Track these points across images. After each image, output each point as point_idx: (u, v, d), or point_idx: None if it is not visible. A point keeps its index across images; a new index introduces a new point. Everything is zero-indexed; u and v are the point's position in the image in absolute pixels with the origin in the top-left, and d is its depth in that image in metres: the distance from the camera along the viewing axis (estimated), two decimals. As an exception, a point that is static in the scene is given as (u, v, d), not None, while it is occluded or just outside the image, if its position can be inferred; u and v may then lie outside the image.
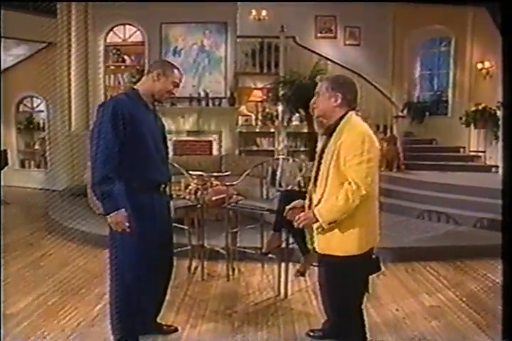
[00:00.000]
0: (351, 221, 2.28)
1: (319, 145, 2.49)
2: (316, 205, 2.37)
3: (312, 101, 2.46)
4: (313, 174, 2.48)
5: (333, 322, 2.73)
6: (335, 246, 2.33)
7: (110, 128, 2.33)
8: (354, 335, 2.53)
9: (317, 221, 2.30)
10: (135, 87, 2.58)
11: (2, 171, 7.17)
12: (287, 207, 2.65)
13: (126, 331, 2.56)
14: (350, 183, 2.21)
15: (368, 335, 2.56)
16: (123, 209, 2.36)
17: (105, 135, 2.33)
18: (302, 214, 2.39)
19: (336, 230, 2.31)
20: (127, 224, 2.37)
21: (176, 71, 2.58)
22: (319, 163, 2.40)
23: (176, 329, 2.94)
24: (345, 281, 2.38)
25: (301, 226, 2.40)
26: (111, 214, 2.35)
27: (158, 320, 2.88)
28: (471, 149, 8.07)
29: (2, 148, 7.38)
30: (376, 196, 2.37)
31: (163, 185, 2.59)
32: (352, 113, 2.36)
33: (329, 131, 2.37)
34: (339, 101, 2.32)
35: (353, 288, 2.44)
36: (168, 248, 2.73)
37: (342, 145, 2.24)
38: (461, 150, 8.22)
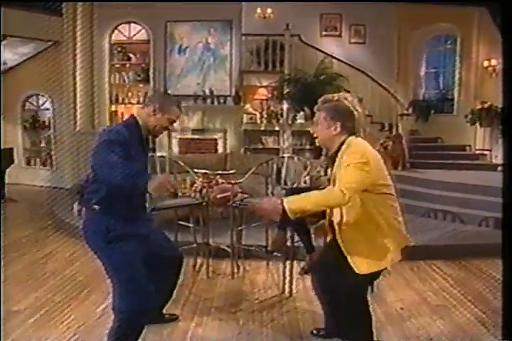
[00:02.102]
0: (380, 236, 2.34)
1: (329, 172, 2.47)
2: (338, 230, 2.39)
3: (311, 129, 2.50)
4: None
5: (340, 321, 2.70)
6: (366, 263, 2.34)
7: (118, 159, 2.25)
8: (362, 334, 2.53)
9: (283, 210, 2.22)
10: (136, 115, 2.48)
11: (8, 169, 7.21)
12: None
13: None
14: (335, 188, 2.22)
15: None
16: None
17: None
18: (267, 202, 2.33)
19: (368, 246, 2.34)
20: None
21: (174, 108, 2.47)
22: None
23: (177, 317, 3.03)
24: (359, 298, 2.45)
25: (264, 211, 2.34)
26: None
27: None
28: (477, 147, 8.04)
29: (8, 146, 7.42)
30: (393, 210, 2.41)
31: (138, 216, 2.48)
32: (352, 138, 2.36)
33: (332, 160, 2.39)
34: (338, 129, 2.36)
35: (364, 292, 2.49)
36: (164, 249, 2.68)
37: (342, 165, 2.26)
38: (467, 148, 8.18)
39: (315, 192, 2.29)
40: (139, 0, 7.65)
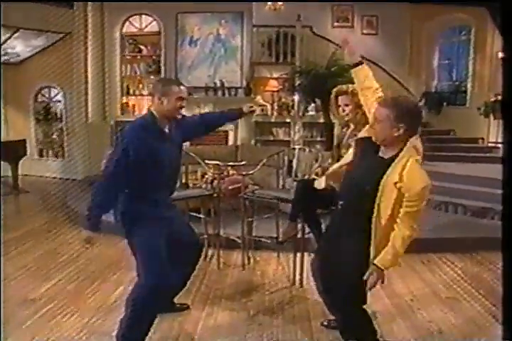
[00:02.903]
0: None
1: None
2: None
3: (370, 124, 2.27)
4: None
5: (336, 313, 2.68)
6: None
7: (121, 161, 2.45)
8: (364, 330, 2.49)
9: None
10: (151, 109, 2.62)
11: (21, 160, 7.28)
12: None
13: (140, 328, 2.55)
14: (405, 228, 2.16)
15: (382, 325, 2.56)
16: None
17: (116, 165, 2.46)
18: (371, 277, 2.24)
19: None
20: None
21: (174, 87, 2.57)
22: None
23: (188, 307, 3.09)
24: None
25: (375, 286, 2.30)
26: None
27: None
28: (490, 140, 7.94)
29: (21, 138, 7.49)
30: None
31: (164, 202, 2.67)
32: (413, 139, 2.20)
33: (388, 163, 2.18)
34: (401, 132, 2.11)
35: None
36: (184, 235, 2.80)
37: (406, 185, 2.11)
38: (480, 141, 8.09)
39: (392, 242, 2.18)
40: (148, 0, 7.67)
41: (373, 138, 2.22)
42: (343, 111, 3.05)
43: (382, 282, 2.29)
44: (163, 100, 2.53)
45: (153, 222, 2.53)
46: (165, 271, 2.51)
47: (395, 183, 2.11)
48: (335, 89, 3.14)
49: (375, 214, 2.19)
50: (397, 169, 2.13)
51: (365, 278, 2.24)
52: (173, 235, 2.63)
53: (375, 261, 2.21)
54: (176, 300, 3.04)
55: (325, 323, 2.89)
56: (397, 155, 2.17)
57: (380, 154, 2.25)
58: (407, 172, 2.12)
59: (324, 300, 2.72)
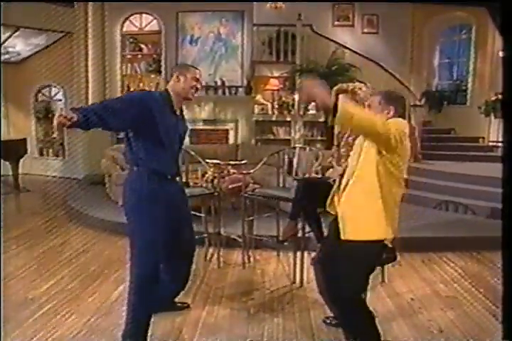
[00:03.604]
0: (380, 206, 2.31)
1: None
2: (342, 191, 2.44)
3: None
4: (349, 169, 2.46)
5: (336, 313, 2.72)
6: (363, 230, 2.34)
7: (128, 104, 2.46)
8: (360, 326, 2.51)
9: (335, 108, 2.14)
10: (167, 87, 2.74)
11: (22, 159, 7.29)
12: None
13: (139, 322, 2.60)
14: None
15: (382, 324, 2.56)
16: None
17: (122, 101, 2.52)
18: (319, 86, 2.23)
19: (366, 215, 2.34)
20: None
21: (191, 68, 2.75)
22: (359, 156, 2.40)
23: (188, 306, 3.09)
24: (358, 268, 2.40)
25: (311, 94, 2.23)
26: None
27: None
28: (491, 139, 7.94)
29: (22, 137, 7.50)
30: (402, 187, 2.42)
31: (169, 176, 2.69)
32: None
33: None
34: (391, 113, 2.43)
35: (364, 274, 2.48)
36: (185, 233, 2.82)
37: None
38: (480, 140, 8.08)
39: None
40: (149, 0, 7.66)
41: None
42: None
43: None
44: (180, 78, 2.67)
45: (159, 202, 2.56)
46: (156, 263, 2.59)
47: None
48: (335, 88, 3.14)
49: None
50: None
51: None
52: (175, 227, 2.69)
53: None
54: (176, 300, 3.04)
55: (326, 321, 2.89)
56: None
57: None
58: None
59: (324, 299, 2.73)
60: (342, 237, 2.37)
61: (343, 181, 2.48)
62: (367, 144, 2.35)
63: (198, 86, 2.74)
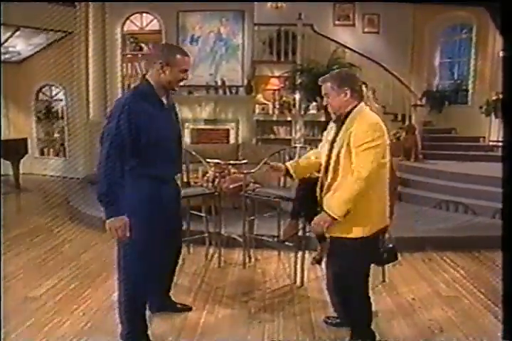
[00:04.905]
0: (360, 206, 2.33)
1: (330, 133, 2.52)
2: (325, 193, 2.44)
3: (324, 102, 2.53)
4: (323, 163, 2.52)
5: (339, 309, 2.78)
6: (345, 229, 2.39)
7: (124, 130, 2.27)
8: (358, 322, 2.58)
9: (334, 219, 2.33)
10: (147, 77, 2.42)
11: (22, 159, 7.29)
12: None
13: (134, 324, 2.58)
14: (352, 173, 2.29)
15: (383, 324, 2.56)
16: (125, 216, 2.29)
17: (117, 136, 2.28)
18: (316, 219, 2.41)
19: (351, 213, 2.36)
20: (127, 233, 2.31)
21: (179, 57, 2.36)
22: (330, 152, 2.44)
23: (190, 309, 3.05)
24: (351, 264, 2.45)
25: (321, 230, 2.44)
26: (111, 219, 2.30)
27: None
28: (491, 139, 7.93)
29: (22, 137, 7.50)
30: (386, 183, 2.43)
31: (167, 178, 2.60)
32: (363, 104, 2.43)
33: (341, 120, 2.43)
34: (349, 94, 2.40)
35: (359, 271, 2.50)
36: (176, 235, 2.80)
37: (352, 133, 2.31)
38: (481, 140, 8.08)
39: (338, 192, 2.34)
40: (149, 0, 7.66)
41: (331, 111, 2.50)
42: None
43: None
44: (165, 70, 2.33)
45: (155, 204, 2.45)
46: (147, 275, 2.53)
47: (344, 139, 2.34)
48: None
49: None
50: (347, 127, 2.36)
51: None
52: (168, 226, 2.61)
53: (325, 208, 2.37)
54: (177, 300, 3.04)
55: (327, 320, 2.90)
56: (347, 117, 2.40)
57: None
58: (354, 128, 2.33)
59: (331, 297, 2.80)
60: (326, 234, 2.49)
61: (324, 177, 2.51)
62: (345, 158, 2.33)
63: (186, 77, 2.42)
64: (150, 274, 2.57)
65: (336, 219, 2.33)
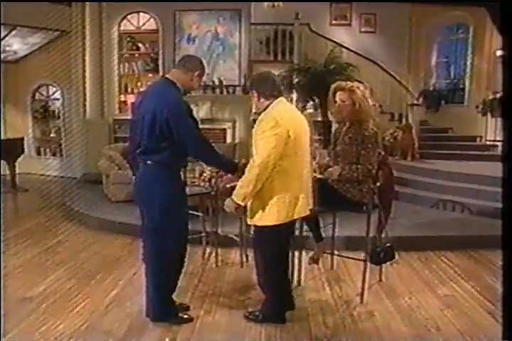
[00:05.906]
0: (269, 195, 2.58)
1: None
2: None
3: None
4: None
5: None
6: (257, 217, 2.63)
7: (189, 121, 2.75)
8: (270, 305, 2.84)
9: (236, 204, 2.59)
10: (172, 79, 2.76)
11: (19, 159, 7.27)
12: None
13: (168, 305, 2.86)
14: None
15: (380, 323, 2.56)
16: None
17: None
18: (225, 202, 2.67)
19: (258, 203, 2.62)
20: None
21: (204, 67, 2.85)
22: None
23: (188, 308, 3.07)
24: (265, 250, 2.70)
25: (229, 210, 2.67)
26: None
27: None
28: (488, 138, 7.95)
29: (19, 136, 7.47)
30: (295, 174, 2.62)
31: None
32: (279, 100, 2.65)
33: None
34: (256, 96, 2.68)
35: (273, 257, 2.72)
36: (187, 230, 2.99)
37: (256, 131, 2.61)
38: (478, 139, 8.09)
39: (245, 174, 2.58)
40: (146, 0, 7.65)
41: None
42: (339, 106, 3.10)
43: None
44: (193, 75, 2.75)
45: (180, 190, 2.82)
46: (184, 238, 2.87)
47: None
48: (334, 85, 3.18)
49: None
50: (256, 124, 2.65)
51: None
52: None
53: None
54: (176, 299, 3.03)
55: (248, 316, 2.94)
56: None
57: None
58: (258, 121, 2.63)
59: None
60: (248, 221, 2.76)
61: None
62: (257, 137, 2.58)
63: (201, 83, 2.92)
64: (180, 263, 2.86)
65: (239, 204, 2.57)
